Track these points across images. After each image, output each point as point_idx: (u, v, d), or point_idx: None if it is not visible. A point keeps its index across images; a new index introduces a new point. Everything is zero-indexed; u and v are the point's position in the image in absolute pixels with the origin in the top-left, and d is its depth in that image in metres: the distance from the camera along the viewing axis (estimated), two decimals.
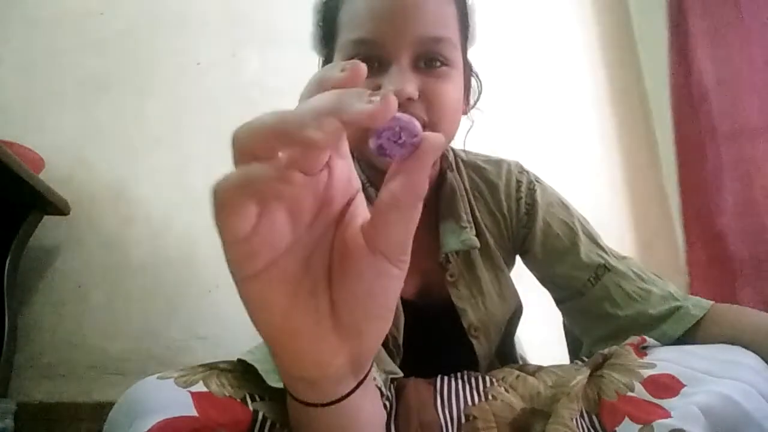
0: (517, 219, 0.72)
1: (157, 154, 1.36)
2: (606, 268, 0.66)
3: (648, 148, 1.67)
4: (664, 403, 0.47)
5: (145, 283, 1.26)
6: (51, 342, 1.19)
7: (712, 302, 0.62)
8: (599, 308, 0.66)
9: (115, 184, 1.32)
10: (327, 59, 0.68)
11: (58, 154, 1.27)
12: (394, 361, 0.65)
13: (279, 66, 1.47)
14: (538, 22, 1.71)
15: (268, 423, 0.48)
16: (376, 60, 0.58)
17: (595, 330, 0.67)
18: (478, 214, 0.72)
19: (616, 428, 0.49)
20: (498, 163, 0.76)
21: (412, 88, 0.57)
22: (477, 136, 0.80)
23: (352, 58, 0.58)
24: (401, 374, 0.60)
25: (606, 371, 0.54)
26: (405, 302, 0.66)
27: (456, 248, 0.68)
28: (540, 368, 0.61)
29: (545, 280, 0.74)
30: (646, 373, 0.50)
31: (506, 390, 0.56)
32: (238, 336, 1.25)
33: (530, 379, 0.58)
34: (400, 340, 0.67)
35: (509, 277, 0.75)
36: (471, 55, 0.70)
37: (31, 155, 1.14)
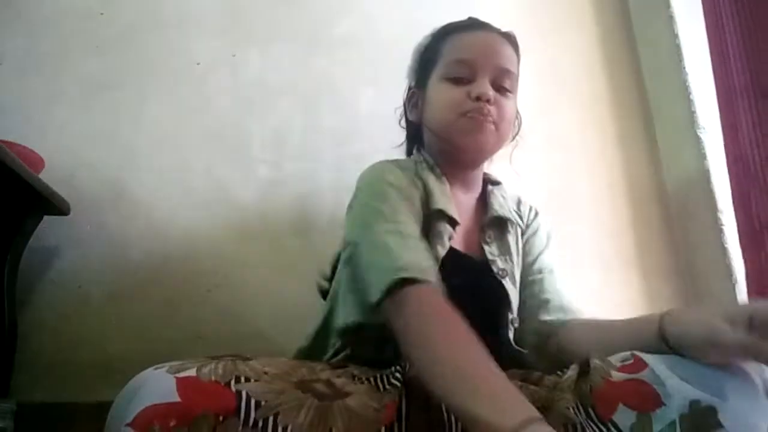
0: (525, 225, 1.01)
1: (158, 155, 1.35)
2: (550, 270, 0.94)
3: (648, 148, 1.67)
4: (643, 376, 0.54)
5: (146, 282, 1.26)
6: (51, 342, 1.19)
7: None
8: (527, 293, 0.92)
9: (115, 184, 1.32)
10: (419, 82, 0.98)
11: (58, 154, 1.27)
12: None
13: (279, 66, 1.47)
14: (537, 21, 1.71)
15: (253, 402, 0.49)
16: (468, 77, 0.87)
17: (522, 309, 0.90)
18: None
19: (613, 417, 0.51)
20: (514, 195, 1.05)
21: (492, 93, 0.87)
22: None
23: (451, 73, 0.89)
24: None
25: (591, 364, 0.61)
26: (454, 251, 0.85)
27: (500, 214, 0.94)
28: (542, 376, 0.69)
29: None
30: (619, 363, 0.59)
31: None
32: (238, 336, 1.25)
33: (532, 386, 0.66)
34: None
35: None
36: None
37: (31, 155, 1.14)
